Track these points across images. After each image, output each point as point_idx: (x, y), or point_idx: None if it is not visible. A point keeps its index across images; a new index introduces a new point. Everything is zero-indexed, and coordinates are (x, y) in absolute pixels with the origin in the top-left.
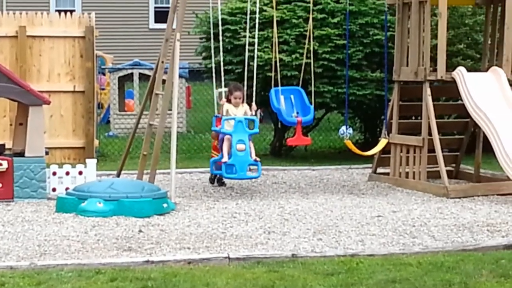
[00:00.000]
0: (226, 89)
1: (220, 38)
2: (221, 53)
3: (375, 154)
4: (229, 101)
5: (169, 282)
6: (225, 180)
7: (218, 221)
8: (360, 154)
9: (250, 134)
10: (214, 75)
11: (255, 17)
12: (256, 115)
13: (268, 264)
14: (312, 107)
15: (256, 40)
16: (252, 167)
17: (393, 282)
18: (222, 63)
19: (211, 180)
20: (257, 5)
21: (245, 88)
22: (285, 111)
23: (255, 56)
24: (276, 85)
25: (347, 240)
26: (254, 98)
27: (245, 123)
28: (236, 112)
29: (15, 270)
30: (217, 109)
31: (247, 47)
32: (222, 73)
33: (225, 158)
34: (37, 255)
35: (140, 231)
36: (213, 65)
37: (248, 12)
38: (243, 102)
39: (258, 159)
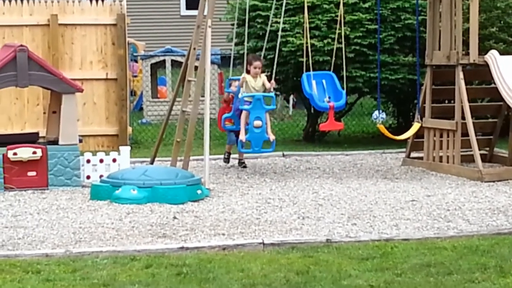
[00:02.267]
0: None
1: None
2: (245, 39)
3: (408, 138)
4: (248, 72)
5: (204, 268)
6: (246, 162)
7: (252, 207)
8: (393, 139)
9: (267, 110)
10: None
11: (286, 3)
12: (274, 90)
13: (302, 249)
14: (344, 92)
15: (280, 26)
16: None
17: (428, 266)
18: (245, 49)
19: (226, 160)
20: None
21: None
22: (317, 96)
23: (278, 40)
24: (308, 70)
25: (381, 224)
26: (273, 76)
27: (262, 100)
28: (255, 84)
29: (51, 257)
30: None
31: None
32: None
33: (242, 136)
34: (72, 242)
35: (175, 217)
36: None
37: None
38: (261, 72)
39: (273, 136)
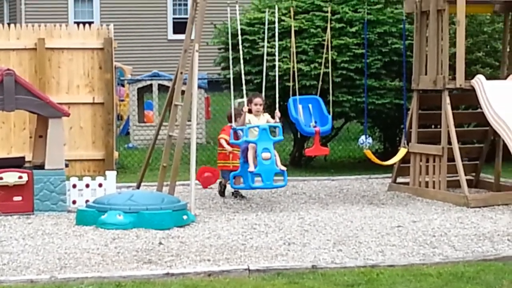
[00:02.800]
0: (245, 99)
1: (240, 47)
2: (242, 63)
3: (394, 163)
4: (250, 111)
5: None
6: (243, 192)
7: (238, 232)
8: (380, 164)
9: (275, 141)
10: (232, 85)
11: (273, 27)
12: (280, 121)
13: (288, 275)
14: (330, 116)
15: (276, 50)
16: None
17: None
18: (243, 72)
19: (220, 193)
20: (276, 15)
21: (264, 97)
22: (303, 121)
23: (277, 65)
24: (294, 94)
25: (367, 250)
26: (277, 105)
27: (269, 131)
28: (258, 122)
29: (36, 283)
30: (234, 120)
31: (265, 57)
32: (244, 82)
33: (251, 168)
34: (58, 268)
35: (160, 243)
36: (231, 76)
37: (266, 22)
38: (263, 111)
39: (284, 168)
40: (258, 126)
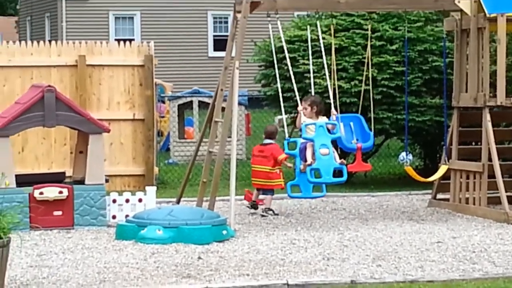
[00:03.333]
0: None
1: (288, 63)
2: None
3: (435, 180)
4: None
5: None
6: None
7: (277, 247)
8: (421, 180)
9: (332, 138)
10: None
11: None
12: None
13: None
14: (372, 133)
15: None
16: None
17: None
18: (280, 90)
19: (254, 206)
20: (319, 32)
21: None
22: (344, 137)
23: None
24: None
25: (406, 266)
26: (332, 105)
27: (325, 127)
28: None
29: None
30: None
31: (311, 74)
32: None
33: (309, 160)
34: (97, 282)
35: (200, 258)
36: (277, 92)
37: (306, 39)
38: (319, 114)
39: (344, 161)
40: (315, 124)
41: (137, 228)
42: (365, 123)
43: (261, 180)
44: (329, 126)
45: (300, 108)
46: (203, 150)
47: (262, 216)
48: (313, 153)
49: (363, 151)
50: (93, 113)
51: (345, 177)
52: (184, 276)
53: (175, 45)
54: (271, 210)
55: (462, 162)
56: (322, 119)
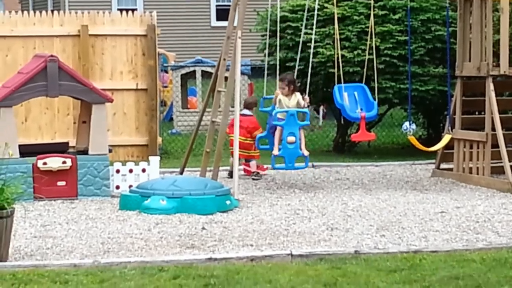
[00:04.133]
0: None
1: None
2: (278, 50)
3: (438, 149)
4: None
5: (232, 279)
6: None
7: (281, 218)
8: (424, 150)
9: (300, 126)
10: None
11: (317, 14)
12: (308, 106)
13: (330, 260)
14: (375, 102)
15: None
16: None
17: (456, 278)
18: (278, 59)
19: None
20: (316, 2)
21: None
22: (349, 107)
23: (311, 52)
24: (339, 81)
25: (410, 236)
26: (307, 91)
27: (296, 115)
28: (289, 102)
29: (79, 267)
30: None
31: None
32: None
33: (275, 151)
34: (101, 252)
35: (203, 228)
36: (277, 62)
37: (308, 8)
38: (294, 91)
39: (307, 152)
40: (286, 111)
41: (141, 198)
42: (369, 93)
43: (243, 150)
44: (300, 114)
45: (277, 92)
46: (206, 120)
47: (254, 179)
48: (280, 140)
49: (367, 120)
50: (96, 83)
51: (306, 166)
52: (188, 247)
53: (178, 15)
54: (258, 173)
55: (466, 132)
56: (297, 96)
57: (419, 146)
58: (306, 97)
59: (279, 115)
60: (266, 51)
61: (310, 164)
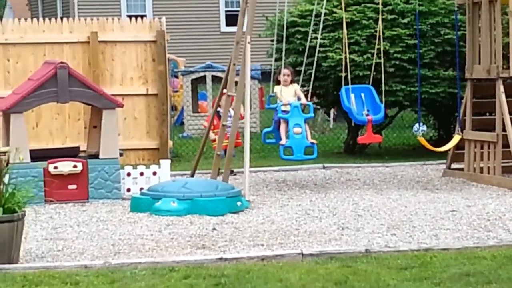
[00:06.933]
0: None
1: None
2: (283, 55)
3: (448, 150)
4: (278, 82)
5: (243, 278)
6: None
7: (291, 218)
8: (434, 150)
9: (306, 118)
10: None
11: (325, 19)
12: (310, 100)
13: (341, 259)
14: (382, 105)
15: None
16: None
17: (467, 275)
18: (282, 62)
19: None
20: (323, 7)
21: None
22: (355, 110)
23: (316, 55)
24: (347, 84)
25: (421, 234)
26: (309, 94)
27: (300, 108)
28: (287, 92)
29: (90, 269)
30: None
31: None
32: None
33: (283, 141)
34: (112, 254)
35: (214, 229)
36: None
37: (320, 13)
38: (292, 82)
39: (314, 141)
40: (290, 104)
41: (152, 200)
42: (376, 95)
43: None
44: (303, 107)
45: (282, 78)
46: None
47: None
48: (287, 132)
49: (374, 123)
50: (106, 89)
51: (315, 155)
52: (199, 247)
53: (188, 21)
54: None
55: (477, 133)
56: (295, 87)
57: (428, 147)
58: (305, 96)
59: (283, 108)
60: (273, 56)
61: (321, 165)
